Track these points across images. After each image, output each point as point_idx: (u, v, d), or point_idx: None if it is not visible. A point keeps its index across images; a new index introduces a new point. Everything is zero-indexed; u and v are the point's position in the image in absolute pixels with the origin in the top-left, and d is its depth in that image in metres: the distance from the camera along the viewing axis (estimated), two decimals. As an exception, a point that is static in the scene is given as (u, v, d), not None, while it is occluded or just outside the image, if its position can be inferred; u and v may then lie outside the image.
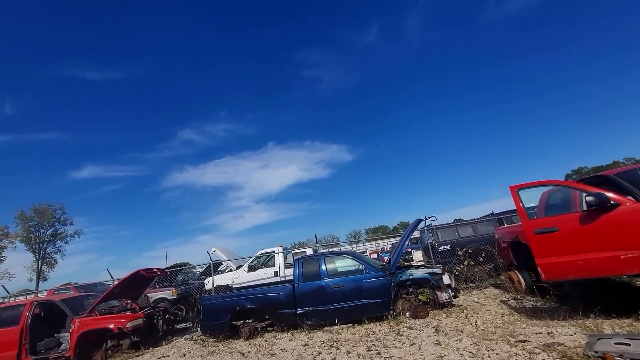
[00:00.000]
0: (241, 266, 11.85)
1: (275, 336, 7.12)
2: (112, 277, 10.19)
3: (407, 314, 7.05)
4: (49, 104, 76.33)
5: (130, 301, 8.97)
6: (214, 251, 11.79)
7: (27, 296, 13.46)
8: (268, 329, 7.63)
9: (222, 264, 16.39)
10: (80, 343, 7.28)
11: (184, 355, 6.78)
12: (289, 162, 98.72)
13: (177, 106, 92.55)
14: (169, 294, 13.17)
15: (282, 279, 10.79)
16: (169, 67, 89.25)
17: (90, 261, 66.06)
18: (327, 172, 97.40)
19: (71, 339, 7.24)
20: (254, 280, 10.64)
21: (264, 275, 10.91)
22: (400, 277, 7.22)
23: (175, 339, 8.61)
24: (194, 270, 17.41)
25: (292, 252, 12.52)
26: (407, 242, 7.42)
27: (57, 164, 77.41)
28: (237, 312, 7.32)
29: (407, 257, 14.95)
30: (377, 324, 6.77)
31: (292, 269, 11.53)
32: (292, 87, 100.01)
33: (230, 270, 13.26)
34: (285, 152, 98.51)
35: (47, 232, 50.11)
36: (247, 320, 7.43)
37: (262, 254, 11.60)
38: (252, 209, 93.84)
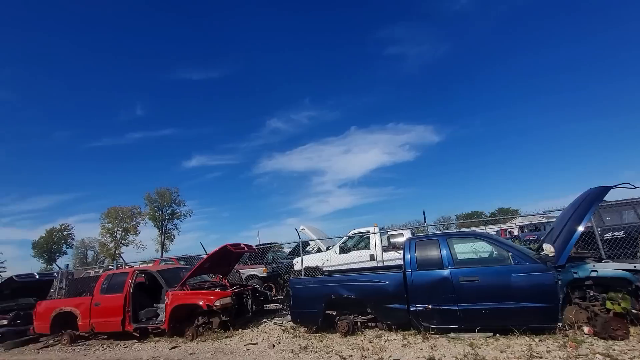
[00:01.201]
0: (331, 247, 10.60)
1: (381, 336, 5.53)
2: (205, 251, 10.14)
3: (586, 329, 4.62)
4: (166, 104, 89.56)
5: (221, 277, 8.56)
6: (302, 229, 10.82)
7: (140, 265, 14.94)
8: (369, 324, 6.10)
9: (309, 244, 15.71)
10: (173, 316, 6.99)
11: (273, 346, 5.75)
12: (371, 145, 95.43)
13: (266, 97, 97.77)
14: (259, 271, 12.88)
15: (380, 264, 9.14)
16: (257, 60, 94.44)
17: (199, 237, 76.18)
18: (412, 155, 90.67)
19: (165, 312, 6.99)
20: (347, 264, 9.26)
21: (357, 258, 9.43)
22: (575, 272, 4.75)
23: (265, 322, 7.84)
24: (283, 250, 17.20)
25: (388, 233, 10.71)
26: (586, 220, 4.82)
27: (174, 155, 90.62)
28: (332, 301, 5.96)
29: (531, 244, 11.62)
30: (537, 341, 4.55)
31: (391, 252, 10.06)
32: (375, 68, 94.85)
33: (319, 250, 12.27)
34: (368, 135, 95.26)
35: (167, 212, 59.29)
36: (345, 313, 6.02)
37: (355, 234, 10.12)
38: (335, 194, 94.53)
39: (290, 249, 18.20)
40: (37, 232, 57.61)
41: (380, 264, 9.19)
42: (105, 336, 7.90)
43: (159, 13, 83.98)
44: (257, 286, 9.10)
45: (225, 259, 7.95)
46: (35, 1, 77.27)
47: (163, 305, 7.47)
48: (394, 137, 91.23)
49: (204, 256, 8.08)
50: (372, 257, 9.39)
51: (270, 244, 15.41)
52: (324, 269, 9.00)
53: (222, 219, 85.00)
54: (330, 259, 9.78)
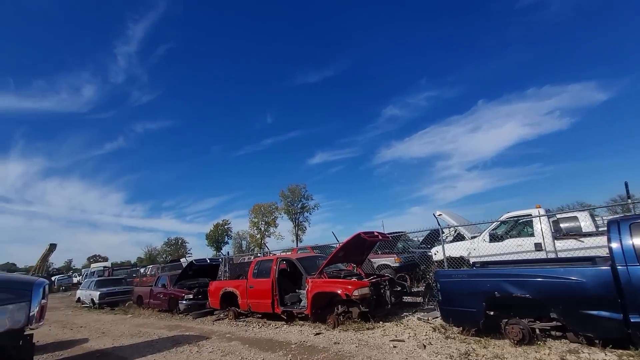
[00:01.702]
0: (477, 235, 8.97)
1: (578, 353, 4.03)
2: (337, 240, 10.22)
3: None
4: (290, 109, 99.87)
5: (355, 266, 8.35)
6: (440, 215, 9.60)
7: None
8: (553, 333, 4.61)
9: (443, 232, 14.19)
10: (314, 303, 7.11)
11: (424, 346, 5.00)
12: (506, 119, 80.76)
13: (380, 86, 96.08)
14: (391, 260, 12.30)
15: (552, 255, 7.08)
16: (367, 50, 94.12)
17: (326, 229, 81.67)
18: (565, 123, 72.05)
19: (307, 298, 7.18)
20: (501, 254, 7.57)
21: (516, 247, 7.61)
22: None
23: (406, 316, 7.15)
24: (414, 239, 16.07)
25: (557, 216, 8.28)
26: None
27: (300, 154, 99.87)
28: (495, 300, 4.76)
29: None
30: None
31: (566, 241, 7.54)
32: (503, 27, 79.85)
33: (458, 238, 10.70)
34: (501, 107, 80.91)
35: (298, 206, 65.84)
36: (513, 315, 4.72)
37: (510, 218, 8.22)
38: (463, 178, 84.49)
39: (422, 238, 16.96)
40: (207, 226, 73.19)
41: (550, 255, 7.12)
42: (260, 315, 8.83)
43: (270, 23, 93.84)
44: (393, 277, 8.48)
45: (359, 247, 7.64)
46: (190, 41, 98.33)
47: (304, 291, 7.75)
48: (537, 105, 74.60)
49: (337, 245, 7.96)
50: (537, 246, 7.38)
51: (400, 232, 14.59)
52: (470, 260, 7.63)
53: (346, 210, 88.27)
54: (478, 249, 8.24)
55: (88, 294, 16.98)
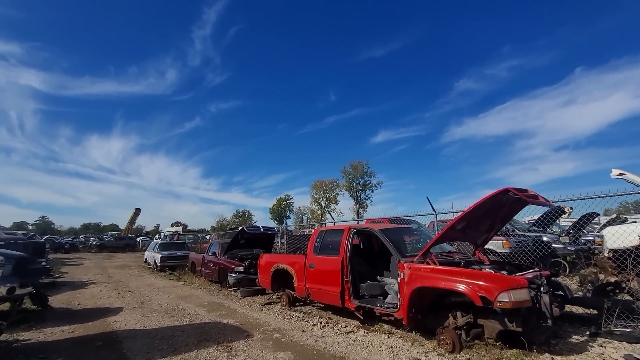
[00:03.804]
0: None
1: None
2: (432, 207, 7.04)
3: None
4: (354, 86, 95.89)
5: (472, 249, 5.21)
6: (620, 175, 5.75)
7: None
8: None
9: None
10: (414, 302, 4.25)
11: None
12: (612, 89, 64.60)
13: (453, 57, 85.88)
14: (497, 245, 8.96)
15: None
16: (440, 16, 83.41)
17: (388, 209, 77.67)
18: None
19: (401, 293, 4.35)
20: None
21: None
22: None
23: (584, 344, 3.90)
24: (521, 220, 12.05)
25: None
26: None
27: (362, 132, 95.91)
28: None
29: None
30: None
31: None
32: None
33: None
34: (605, 76, 64.87)
35: (360, 183, 62.80)
36: None
37: None
38: (549, 159, 71.72)
39: (533, 218, 13.05)
40: (271, 201, 75.27)
41: None
42: (321, 305, 6.38)
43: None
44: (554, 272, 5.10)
45: (491, 215, 4.48)
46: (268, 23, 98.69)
47: (393, 281, 4.94)
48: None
49: (464, 210, 4.90)
50: None
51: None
52: None
53: (409, 191, 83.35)
54: None
55: (152, 255, 16.80)
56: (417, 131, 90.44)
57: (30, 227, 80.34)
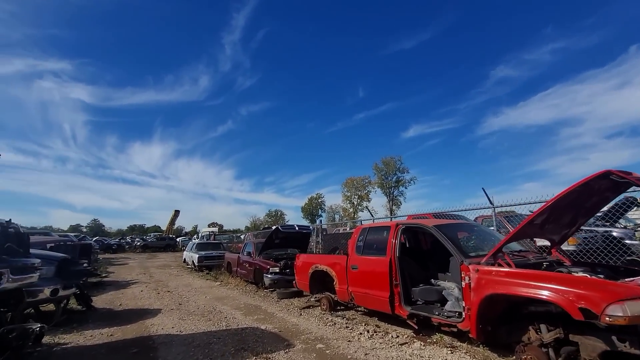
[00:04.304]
0: None
1: None
2: (489, 199, 6.11)
3: None
4: (383, 80, 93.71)
5: (548, 246, 4.36)
6: None
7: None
8: None
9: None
10: (484, 312, 3.53)
11: None
12: None
13: (488, 43, 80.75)
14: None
15: None
16: (474, 2, 78.80)
17: (421, 205, 74.72)
18: None
19: (467, 301, 3.65)
20: None
21: None
22: None
23: None
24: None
25: None
26: None
27: (392, 128, 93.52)
28: None
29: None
30: None
31: None
32: None
33: None
34: None
35: (393, 179, 61.04)
36: None
37: None
38: (599, 147, 65.21)
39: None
40: (303, 200, 75.58)
41: None
42: (365, 310, 5.80)
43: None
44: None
45: (576, 206, 3.64)
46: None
47: (450, 285, 4.25)
48: None
49: (547, 201, 4.11)
50: None
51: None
52: None
53: (443, 186, 79.96)
54: None
55: (190, 256, 17.13)
56: (451, 124, 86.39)
57: (84, 230, 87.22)
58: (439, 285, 4.60)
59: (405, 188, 60.81)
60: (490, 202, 6.12)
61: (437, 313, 4.14)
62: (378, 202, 68.49)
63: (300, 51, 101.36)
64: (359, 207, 62.53)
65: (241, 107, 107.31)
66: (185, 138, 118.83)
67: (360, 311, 6.00)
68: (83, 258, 11.26)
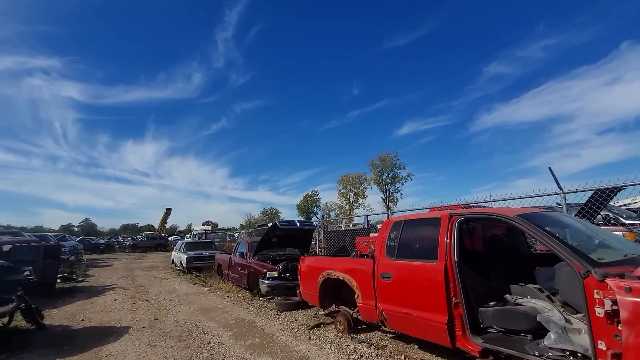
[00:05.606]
0: None
1: None
2: (559, 187, 4.57)
3: None
4: (377, 77, 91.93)
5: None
6: None
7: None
8: None
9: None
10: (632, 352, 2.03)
11: None
12: None
13: (481, 40, 79.56)
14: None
15: None
16: (469, -2, 77.47)
17: (417, 202, 73.71)
18: None
19: (610, 342, 2.14)
20: None
21: None
22: None
23: None
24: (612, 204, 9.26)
25: None
26: None
27: (387, 125, 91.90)
28: None
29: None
30: None
31: None
32: None
33: None
34: None
35: (389, 175, 59.67)
36: None
37: None
38: (591, 143, 64.90)
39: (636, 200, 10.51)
40: (298, 198, 73.76)
41: None
42: (397, 332, 4.29)
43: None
44: None
45: None
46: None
47: (545, 306, 2.75)
48: None
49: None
50: None
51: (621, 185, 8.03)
52: None
53: (438, 183, 79.32)
54: None
55: (178, 256, 15.54)
56: (445, 121, 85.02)
57: (76, 229, 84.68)
58: (522, 305, 3.09)
59: (402, 184, 59.53)
60: (559, 187, 4.62)
61: (533, 352, 2.63)
62: (374, 199, 67.33)
63: (293, 50, 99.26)
64: (355, 204, 61.15)
65: (235, 105, 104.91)
66: (179, 136, 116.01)
67: (391, 334, 4.48)
68: (49, 260, 9.69)
